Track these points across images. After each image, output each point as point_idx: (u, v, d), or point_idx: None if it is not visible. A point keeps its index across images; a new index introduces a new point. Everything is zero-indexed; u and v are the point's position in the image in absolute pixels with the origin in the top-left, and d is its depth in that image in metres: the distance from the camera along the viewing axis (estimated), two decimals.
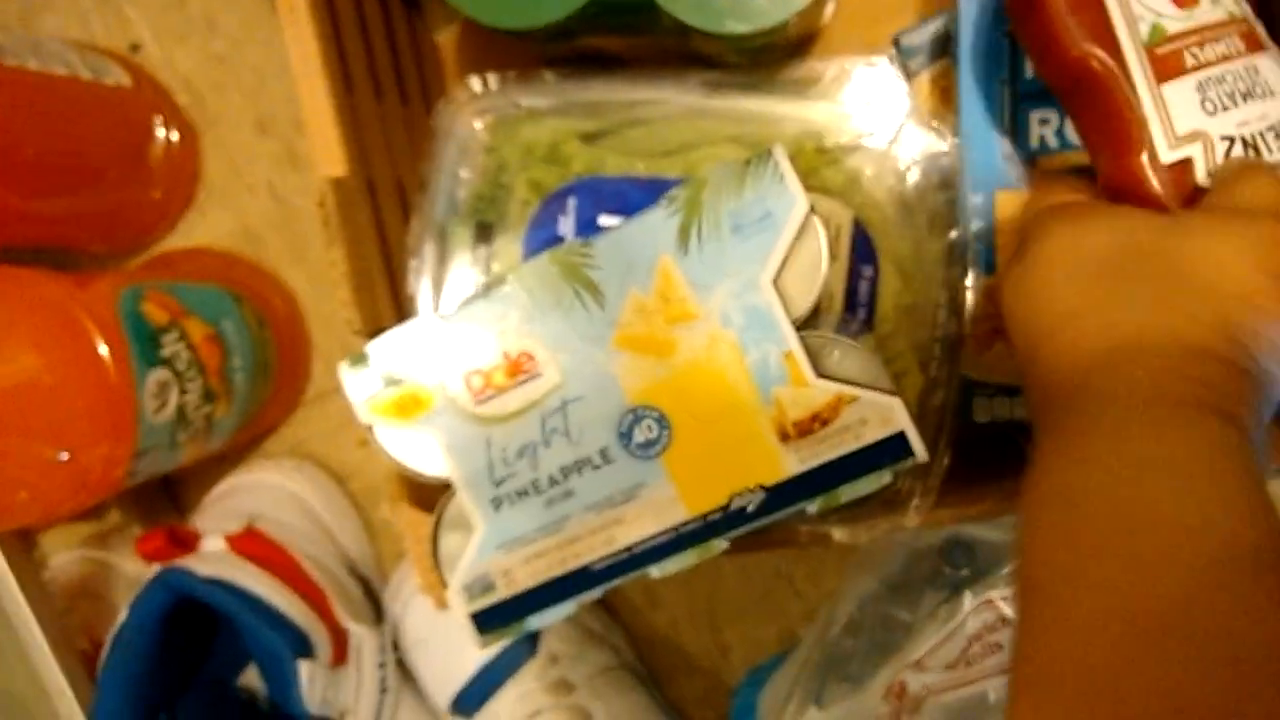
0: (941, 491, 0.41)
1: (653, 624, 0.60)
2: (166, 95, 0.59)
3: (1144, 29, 0.35)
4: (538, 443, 0.33)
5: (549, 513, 0.33)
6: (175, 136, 0.58)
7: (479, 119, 0.45)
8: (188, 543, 0.51)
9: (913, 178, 0.42)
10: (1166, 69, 0.35)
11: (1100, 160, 0.36)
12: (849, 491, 0.33)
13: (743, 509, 0.33)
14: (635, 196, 0.42)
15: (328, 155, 0.42)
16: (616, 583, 0.34)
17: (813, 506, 0.33)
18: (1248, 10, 0.37)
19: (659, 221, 0.33)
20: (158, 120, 0.57)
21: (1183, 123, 0.35)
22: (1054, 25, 0.35)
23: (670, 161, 0.42)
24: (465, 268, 0.43)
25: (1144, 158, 0.34)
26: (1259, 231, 0.29)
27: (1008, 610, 0.37)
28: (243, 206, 0.60)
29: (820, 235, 0.33)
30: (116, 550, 0.59)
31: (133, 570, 0.58)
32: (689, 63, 0.44)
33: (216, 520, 0.53)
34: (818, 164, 0.41)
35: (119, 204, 0.56)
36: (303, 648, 0.49)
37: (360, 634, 0.52)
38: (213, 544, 0.51)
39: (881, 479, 0.34)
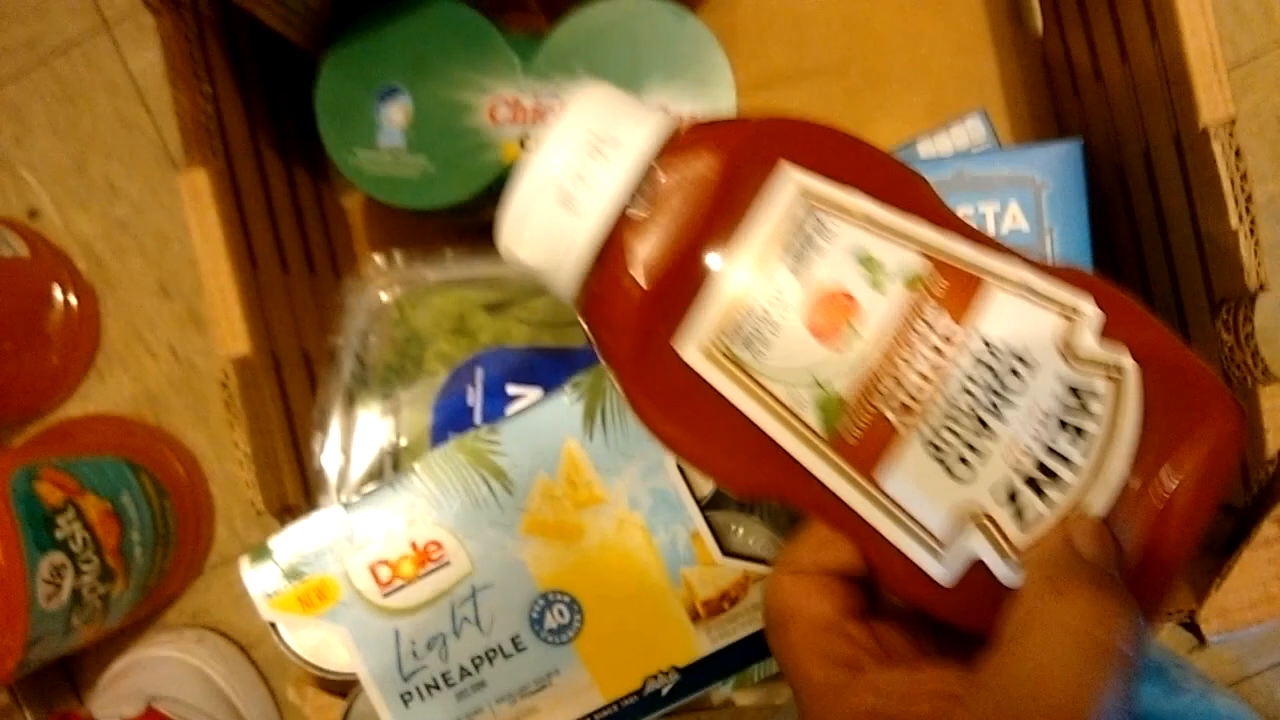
0: None
1: None
2: (66, 260, 0.58)
3: (810, 414, 0.24)
4: (448, 633, 0.33)
5: (461, 706, 0.33)
6: (74, 301, 0.57)
7: (386, 291, 0.45)
8: None
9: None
10: (873, 453, 0.24)
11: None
12: (762, 670, 0.33)
13: (657, 691, 0.33)
14: (542, 366, 0.43)
15: (231, 335, 0.42)
16: None
17: (727, 686, 0.33)
18: (929, 235, 0.24)
19: (564, 407, 0.33)
20: (56, 287, 0.56)
21: (939, 515, 0.24)
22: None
23: (574, 331, 0.43)
24: (373, 440, 0.43)
25: (913, 585, 0.24)
26: None
27: None
28: (144, 369, 0.59)
29: None
30: None
31: None
32: None
33: (114, 702, 0.51)
34: None
35: (14, 374, 0.55)
36: None
37: None
38: None
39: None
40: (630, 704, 0.33)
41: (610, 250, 0.24)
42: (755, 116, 0.26)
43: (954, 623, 0.24)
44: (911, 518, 0.24)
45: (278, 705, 0.57)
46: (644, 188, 0.24)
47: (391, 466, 0.42)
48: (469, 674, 0.33)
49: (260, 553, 0.33)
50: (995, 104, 0.53)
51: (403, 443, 0.43)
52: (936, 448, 0.23)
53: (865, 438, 0.24)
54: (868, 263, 0.24)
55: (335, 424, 0.43)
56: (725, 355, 0.24)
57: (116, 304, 0.59)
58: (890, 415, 0.24)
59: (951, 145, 0.52)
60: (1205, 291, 0.41)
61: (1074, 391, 0.23)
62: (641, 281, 0.24)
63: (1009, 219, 0.46)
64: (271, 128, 0.49)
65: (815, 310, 0.24)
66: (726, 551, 0.33)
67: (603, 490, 0.33)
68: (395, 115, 0.44)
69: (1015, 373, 0.23)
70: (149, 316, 0.59)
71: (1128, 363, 0.23)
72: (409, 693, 0.33)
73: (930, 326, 0.24)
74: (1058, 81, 0.52)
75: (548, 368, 0.42)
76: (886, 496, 0.24)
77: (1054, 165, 0.46)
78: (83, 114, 0.59)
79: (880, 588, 0.25)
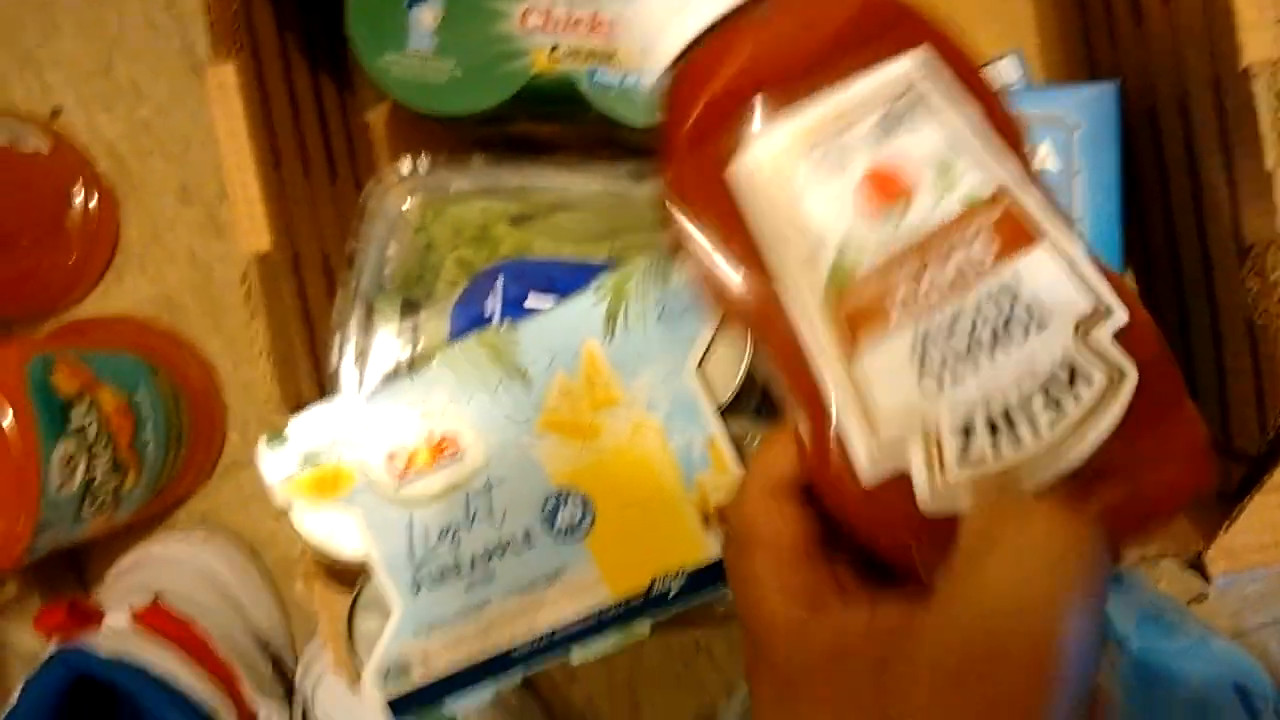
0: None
1: (570, 699, 0.58)
2: (87, 161, 0.58)
3: (822, 266, 0.23)
4: (460, 525, 0.33)
5: (470, 596, 0.33)
6: (94, 202, 0.56)
7: (408, 199, 0.45)
8: (90, 618, 0.49)
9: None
10: (862, 327, 0.23)
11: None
12: None
13: (665, 592, 0.33)
14: (562, 279, 0.42)
15: (253, 230, 0.41)
16: (537, 667, 0.33)
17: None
18: (1011, 173, 0.24)
19: (586, 308, 0.33)
20: (77, 186, 0.56)
21: (894, 412, 0.23)
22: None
23: (596, 246, 0.42)
24: (390, 345, 0.43)
25: (832, 471, 0.23)
26: None
27: None
28: (162, 273, 0.58)
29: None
30: (12, 624, 0.56)
31: (29, 647, 0.55)
32: (615, 151, 0.45)
33: (121, 594, 0.51)
34: None
35: (33, 269, 0.55)
36: None
37: (269, 712, 0.50)
38: (117, 619, 0.49)
39: None
40: (637, 603, 0.33)
41: (722, 34, 0.25)
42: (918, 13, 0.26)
43: (854, 531, 0.24)
44: (866, 401, 0.23)
45: (283, 606, 0.58)
46: None
47: (408, 371, 0.42)
48: (479, 566, 0.33)
49: (277, 436, 0.33)
50: (1029, 46, 0.52)
51: (420, 348, 0.43)
52: (922, 350, 0.23)
53: (861, 311, 0.24)
54: (943, 167, 0.24)
55: (353, 328, 0.43)
56: (778, 176, 0.24)
57: (137, 206, 0.58)
58: (891, 302, 0.24)
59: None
60: (1234, 236, 0.41)
61: (1071, 370, 0.23)
62: (736, 77, 0.24)
63: (1039, 158, 0.45)
64: (299, 30, 0.48)
65: (873, 179, 0.24)
66: (743, 460, 0.33)
67: (621, 392, 0.32)
68: (425, 18, 0.43)
69: (1025, 327, 0.23)
70: (169, 220, 0.58)
71: (1132, 373, 0.23)
72: (419, 581, 0.33)
73: (968, 248, 0.24)
74: (1093, 23, 0.51)
75: (569, 281, 0.42)
76: (854, 371, 0.24)
77: (1089, 106, 0.45)
78: (110, 15, 0.58)
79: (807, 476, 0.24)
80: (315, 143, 0.49)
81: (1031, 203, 0.24)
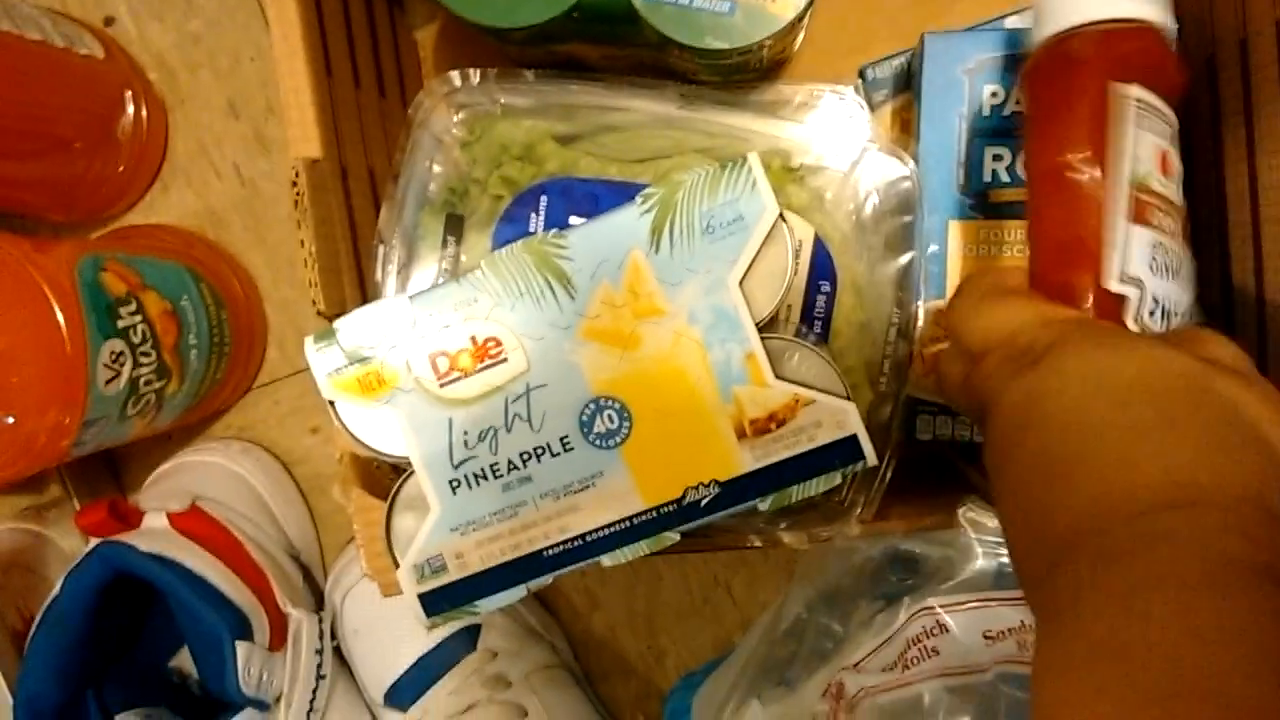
0: (883, 504, 0.42)
1: (591, 627, 0.60)
2: (138, 70, 0.58)
3: (1128, 167, 0.35)
4: (499, 428, 0.33)
5: (506, 497, 0.33)
6: (144, 112, 0.57)
7: (456, 113, 0.45)
8: (129, 518, 0.50)
9: (871, 202, 0.42)
10: (1140, 214, 0.35)
11: (1042, 261, 0.35)
12: (800, 491, 0.34)
13: (697, 503, 0.33)
14: (607, 199, 0.42)
15: (303, 136, 0.42)
16: (568, 570, 0.34)
17: (764, 504, 0.33)
18: (1184, 202, 0.38)
19: (633, 219, 0.33)
20: (128, 94, 0.56)
21: (1134, 266, 0.35)
22: (1059, 122, 0.36)
23: (642, 168, 0.42)
24: (433, 258, 0.43)
25: (1091, 277, 0.34)
26: None
27: (946, 617, 0.37)
28: (207, 186, 0.59)
29: (788, 242, 0.33)
30: (54, 525, 0.58)
31: (70, 546, 0.57)
32: (664, 76, 0.45)
33: (160, 498, 0.52)
34: (783, 181, 0.42)
35: (82, 174, 0.55)
36: (241, 629, 0.48)
37: (299, 619, 0.51)
38: (155, 520, 0.50)
39: (832, 480, 0.34)
40: (669, 512, 0.33)
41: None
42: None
43: None
44: (1128, 252, 0.34)
45: (314, 520, 0.59)
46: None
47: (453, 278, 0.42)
48: (516, 468, 0.33)
49: (325, 333, 0.34)
50: None
51: (463, 263, 0.43)
52: (1156, 246, 0.35)
53: (1144, 205, 0.35)
54: (1179, 181, 0.37)
55: (397, 241, 0.43)
56: (1124, 110, 0.36)
57: (185, 119, 0.59)
58: (1157, 214, 0.35)
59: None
60: None
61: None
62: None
63: None
64: None
65: (1166, 156, 0.36)
66: (779, 375, 0.33)
67: (664, 302, 0.33)
68: None
69: (1187, 278, 0.37)
70: (216, 134, 0.59)
71: None
72: (457, 480, 0.33)
73: (1178, 223, 0.37)
74: None
75: (613, 201, 0.42)
76: (1129, 234, 0.34)
77: None
78: None
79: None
80: (365, 57, 0.49)
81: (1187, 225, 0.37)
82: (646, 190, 0.33)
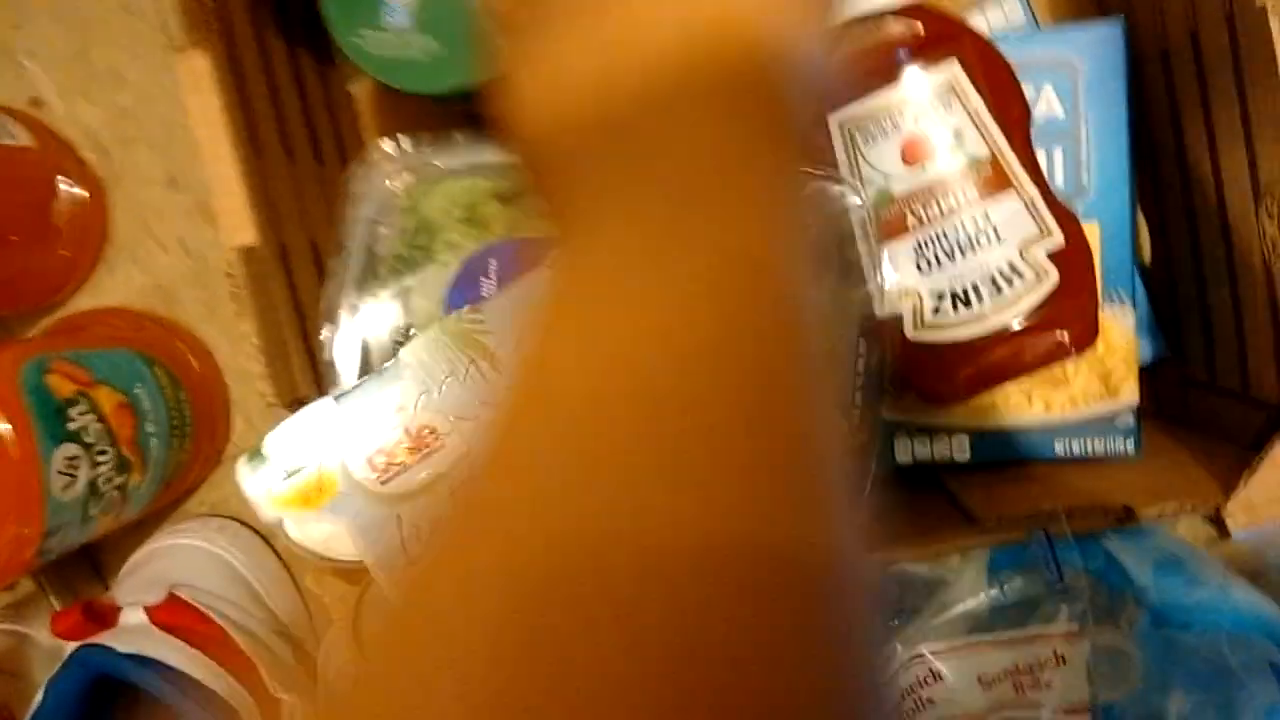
0: (872, 533, 0.42)
1: None
2: (71, 151, 0.57)
3: (871, 191, 0.40)
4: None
5: None
6: (81, 193, 0.56)
7: (395, 179, 0.44)
8: (105, 617, 0.49)
9: (830, 229, 0.42)
10: (889, 230, 0.40)
11: None
12: None
13: None
14: None
15: (236, 224, 0.41)
16: None
17: None
18: (1000, 143, 0.40)
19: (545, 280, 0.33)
20: (62, 177, 0.56)
21: (898, 280, 0.40)
22: None
23: None
24: (384, 332, 0.43)
25: None
26: None
27: (938, 664, 0.37)
28: (154, 262, 0.58)
29: None
30: (32, 622, 0.57)
31: (50, 643, 0.56)
32: None
33: (137, 590, 0.52)
34: None
35: (23, 265, 0.55)
36: None
37: (293, 703, 0.51)
38: (133, 617, 0.50)
39: None
40: None
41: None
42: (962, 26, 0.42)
43: None
44: (882, 273, 0.40)
45: (300, 592, 0.58)
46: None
47: (404, 345, 0.42)
48: None
49: (256, 454, 0.33)
50: None
51: (414, 333, 0.43)
52: (920, 247, 0.41)
53: (891, 221, 0.41)
54: (959, 136, 0.40)
55: (344, 315, 0.43)
56: (848, 133, 0.41)
57: (124, 195, 0.58)
58: (910, 217, 0.40)
59: (987, 25, 0.50)
60: (1250, 179, 0.40)
61: (1012, 268, 0.40)
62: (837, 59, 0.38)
63: (1043, 104, 0.45)
64: (274, 8, 0.47)
65: (912, 141, 0.40)
66: None
67: None
68: None
69: (989, 238, 0.40)
70: (158, 208, 0.58)
71: (1053, 274, 0.41)
72: None
73: (963, 189, 0.40)
74: None
75: None
76: (877, 255, 0.39)
77: (1093, 48, 0.44)
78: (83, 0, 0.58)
79: None
80: (297, 123, 0.48)
81: (1013, 160, 0.40)
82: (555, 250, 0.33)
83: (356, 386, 0.33)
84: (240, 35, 0.44)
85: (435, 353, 0.33)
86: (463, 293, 0.42)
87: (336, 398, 0.33)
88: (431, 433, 0.32)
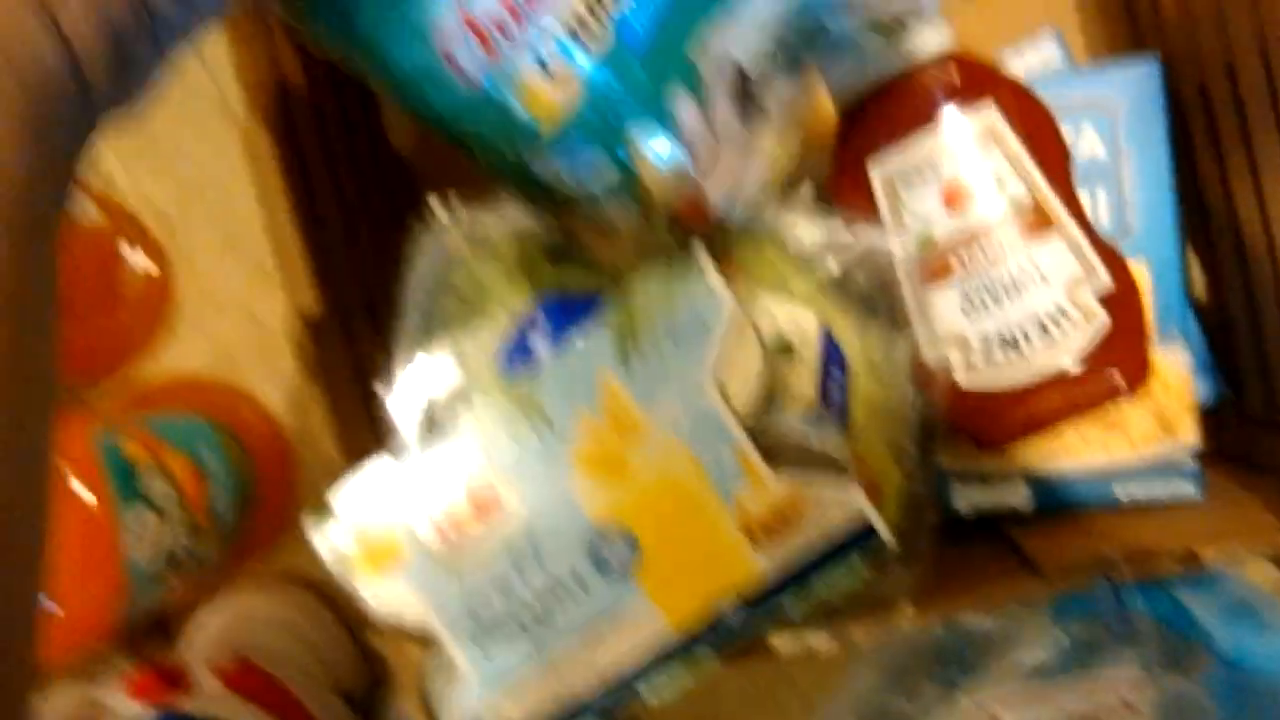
0: (934, 582, 0.43)
1: None
2: (136, 222, 0.61)
3: (914, 238, 0.42)
4: (511, 575, 0.35)
5: (531, 645, 0.35)
6: (146, 263, 0.60)
7: (447, 239, 0.47)
8: (179, 681, 0.52)
9: (874, 277, 0.44)
10: (933, 276, 0.42)
11: None
12: (824, 586, 0.35)
13: (724, 618, 0.34)
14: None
15: (297, 292, 0.44)
16: (610, 708, 0.35)
17: (793, 607, 0.35)
18: (1042, 186, 0.41)
19: (596, 339, 0.35)
20: (126, 248, 0.59)
21: (945, 326, 0.41)
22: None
23: (635, 277, 0.44)
24: (441, 390, 0.45)
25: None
26: None
27: (1008, 718, 0.38)
28: (216, 328, 0.62)
29: (753, 332, 0.35)
30: (106, 684, 0.60)
31: (126, 709, 0.59)
32: None
33: (207, 652, 0.54)
34: (784, 271, 0.43)
35: (94, 336, 0.58)
36: None
37: None
38: (205, 680, 0.52)
39: (854, 568, 0.35)
40: (698, 632, 0.35)
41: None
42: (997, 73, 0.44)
43: None
44: (930, 318, 0.42)
45: (365, 656, 0.61)
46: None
47: (461, 404, 0.44)
48: (536, 613, 0.35)
49: (325, 514, 0.36)
50: (1068, 21, 0.52)
51: (470, 384, 0.45)
52: (966, 292, 0.42)
53: (934, 266, 0.42)
54: (999, 180, 0.41)
55: (403, 375, 0.45)
56: (888, 180, 0.43)
57: (187, 263, 0.62)
58: (954, 262, 0.42)
59: (1024, 66, 0.51)
60: None
61: (1060, 310, 0.41)
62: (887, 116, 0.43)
63: (1084, 144, 0.46)
64: (329, 72, 0.50)
65: (953, 186, 0.42)
66: (779, 466, 0.34)
67: (644, 419, 0.34)
68: None
69: (1035, 281, 0.41)
70: (220, 275, 0.62)
71: (1103, 318, 0.41)
72: (480, 639, 0.35)
73: (1006, 233, 0.41)
74: None
75: None
76: (927, 301, 0.42)
77: (1130, 86, 0.46)
78: None
79: None
80: (352, 189, 0.51)
81: (1055, 202, 0.41)
82: (605, 306, 0.35)
83: (417, 447, 0.35)
84: (297, 107, 0.47)
85: (493, 416, 0.35)
86: (516, 351, 0.45)
87: (399, 458, 0.35)
88: (491, 493, 0.35)
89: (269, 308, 0.61)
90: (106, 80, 0.22)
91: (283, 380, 0.61)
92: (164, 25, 0.22)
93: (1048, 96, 0.44)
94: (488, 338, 0.45)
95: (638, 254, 0.34)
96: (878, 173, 0.42)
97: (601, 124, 0.28)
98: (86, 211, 0.58)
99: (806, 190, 0.45)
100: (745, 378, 0.35)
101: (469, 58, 0.26)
